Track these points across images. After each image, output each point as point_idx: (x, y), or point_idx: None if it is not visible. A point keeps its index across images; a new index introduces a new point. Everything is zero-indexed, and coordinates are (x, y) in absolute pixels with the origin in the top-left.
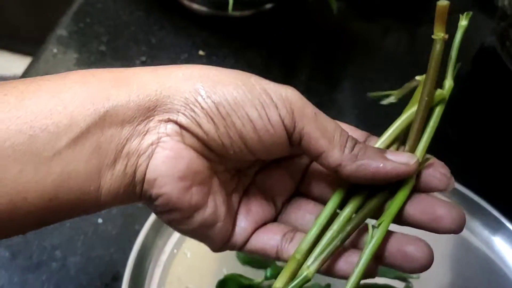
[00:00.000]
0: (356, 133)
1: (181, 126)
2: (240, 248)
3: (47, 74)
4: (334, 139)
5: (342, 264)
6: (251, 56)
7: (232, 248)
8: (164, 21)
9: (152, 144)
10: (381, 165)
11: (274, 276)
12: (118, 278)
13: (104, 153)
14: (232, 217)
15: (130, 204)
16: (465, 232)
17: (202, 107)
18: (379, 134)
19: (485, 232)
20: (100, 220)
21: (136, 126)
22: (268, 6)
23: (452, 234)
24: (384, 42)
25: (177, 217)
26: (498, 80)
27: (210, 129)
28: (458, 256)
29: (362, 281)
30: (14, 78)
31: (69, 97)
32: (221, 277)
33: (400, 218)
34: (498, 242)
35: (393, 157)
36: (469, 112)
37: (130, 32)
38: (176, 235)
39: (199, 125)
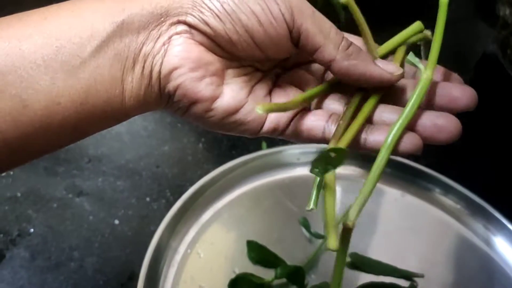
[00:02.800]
0: (357, 41)
1: (189, 25)
2: (283, 131)
3: None
4: (330, 36)
5: (375, 136)
6: None
7: (273, 132)
8: None
9: (164, 44)
10: (370, 68)
11: (284, 275)
12: (133, 277)
13: (124, 58)
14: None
15: (146, 206)
16: (467, 233)
17: (208, 7)
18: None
19: (487, 233)
20: (116, 222)
21: (150, 31)
22: None
23: (454, 235)
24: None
25: (199, 110)
26: (499, 86)
27: (217, 26)
28: (461, 256)
29: (369, 281)
30: None
31: (88, 11)
32: (232, 276)
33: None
34: (499, 242)
35: (381, 64)
36: (472, 118)
37: None
38: (189, 236)
39: (207, 23)
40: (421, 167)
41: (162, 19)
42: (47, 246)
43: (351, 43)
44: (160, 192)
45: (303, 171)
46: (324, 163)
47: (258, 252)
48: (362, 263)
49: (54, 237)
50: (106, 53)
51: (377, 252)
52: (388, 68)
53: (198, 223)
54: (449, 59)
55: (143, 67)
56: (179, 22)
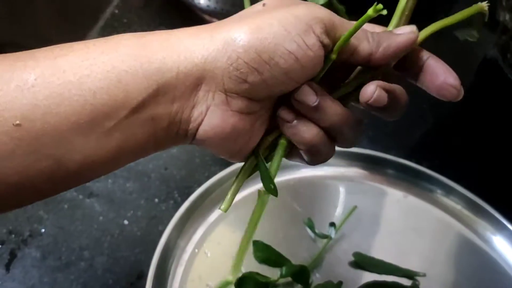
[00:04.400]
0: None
1: (227, 92)
2: None
3: None
4: (360, 36)
5: None
6: None
7: None
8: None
9: (201, 113)
10: (398, 40)
11: (289, 274)
12: (142, 277)
13: (158, 122)
14: None
15: (154, 207)
16: (468, 233)
17: (245, 62)
18: (391, 142)
19: (487, 233)
20: (125, 222)
21: (186, 100)
22: None
23: (455, 235)
24: None
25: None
26: (499, 90)
27: (255, 79)
28: (462, 256)
29: (372, 279)
30: None
31: (123, 73)
32: (239, 275)
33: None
34: (499, 241)
35: (401, 31)
36: (472, 121)
37: None
38: (197, 236)
39: (245, 81)
40: (423, 168)
41: (198, 85)
42: (57, 246)
43: (371, 33)
44: (168, 194)
45: (308, 172)
46: None
47: (263, 252)
48: (365, 263)
49: (65, 237)
50: (139, 118)
51: (380, 251)
52: (407, 30)
53: (205, 223)
54: (451, 63)
55: (178, 129)
56: (217, 90)
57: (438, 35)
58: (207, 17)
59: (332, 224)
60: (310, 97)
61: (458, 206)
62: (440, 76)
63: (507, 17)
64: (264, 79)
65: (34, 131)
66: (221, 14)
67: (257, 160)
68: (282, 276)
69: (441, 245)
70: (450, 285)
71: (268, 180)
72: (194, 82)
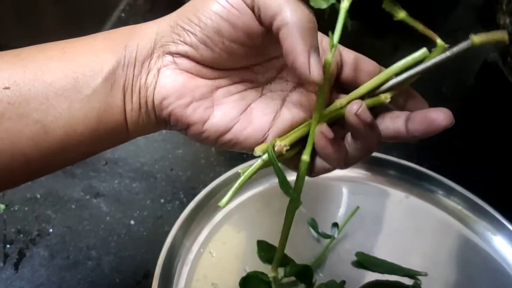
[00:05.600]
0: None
1: (172, 54)
2: None
3: None
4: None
5: None
6: None
7: None
8: None
9: (154, 76)
10: (299, 53)
11: (293, 273)
12: (148, 276)
13: (125, 89)
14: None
15: (160, 207)
16: (468, 233)
17: (182, 28)
18: (393, 144)
19: (487, 232)
20: (132, 222)
21: (142, 64)
22: None
23: (456, 235)
24: (394, 57)
25: (194, 132)
26: (500, 93)
27: (191, 40)
28: (463, 255)
29: (374, 279)
30: None
31: (100, 47)
32: (243, 274)
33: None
34: (499, 241)
35: (311, 60)
36: (473, 123)
37: None
38: (202, 236)
39: (184, 42)
40: (424, 169)
41: (151, 52)
42: (65, 246)
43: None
44: (174, 194)
45: None
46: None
47: (268, 251)
48: (367, 262)
49: (72, 236)
50: (113, 84)
51: (382, 251)
52: (313, 65)
53: (210, 223)
54: (451, 66)
55: (139, 97)
56: (163, 53)
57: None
58: None
59: (335, 224)
60: (368, 113)
61: (458, 207)
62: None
63: (507, 20)
64: (200, 39)
65: (22, 95)
66: None
67: (274, 167)
68: (286, 275)
69: (442, 244)
70: (451, 284)
71: (286, 187)
72: (148, 51)
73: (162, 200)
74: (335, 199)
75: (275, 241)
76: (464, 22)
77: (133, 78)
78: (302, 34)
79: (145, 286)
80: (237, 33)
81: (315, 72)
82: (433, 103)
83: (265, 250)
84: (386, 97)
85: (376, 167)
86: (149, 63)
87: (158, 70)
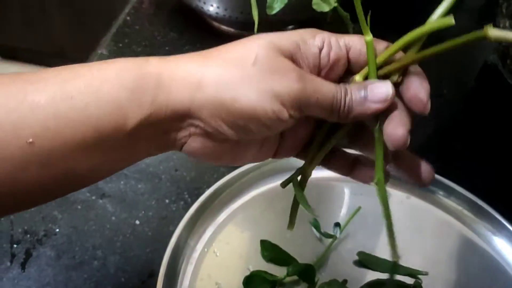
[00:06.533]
0: (379, 45)
1: (206, 132)
2: None
3: None
4: (332, 105)
5: None
6: None
7: None
8: (195, 41)
9: (185, 136)
10: (371, 108)
11: (296, 272)
12: (153, 275)
13: (150, 140)
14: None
15: (165, 208)
16: (469, 233)
17: (224, 123)
18: None
19: (488, 233)
20: (137, 222)
21: (172, 127)
22: (291, 27)
23: (457, 235)
24: None
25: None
26: (499, 95)
27: (232, 136)
28: (463, 255)
29: (376, 278)
30: None
31: (124, 103)
32: (247, 273)
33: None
34: (500, 242)
35: (376, 95)
36: (473, 124)
37: (165, 51)
38: (206, 236)
39: (222, 134)
40: None
41: (183, 119)
42: (71, 246)
43: (344, 94)
44: (179, 195)
45: (314, 174)
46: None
47: (271, 251)
48: (369, 262)
49: (78, 236)
50: (135, 137)
51: (383, 251)
52: (382, 95)
53: (214, 223)
54: (452, 69)
55: (167, 144)
56: (198, 126)
57: (438, 40)
58: (216, 24)
59: (337, 224)
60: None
61: (459, 207)
62: (411, 89)
63: (507, 23)
64: (239, 137)
65: (45, 148)
66: (229, 21)
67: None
68: (288, 274)
69: (443, 244)
70: (452, 283)
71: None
72: (179, 117)
73: (167, 201)
74: (337, 200)
75: (278, 241)
76: (463, 25)
77: (160, 132)
78: None
79: (150, 286)
80: (273, 133)
81: (382, 95)
82: (434, 105)
83: (268, 250)
84: (398, 78)
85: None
86: (180, 125)
87: (190, 135)
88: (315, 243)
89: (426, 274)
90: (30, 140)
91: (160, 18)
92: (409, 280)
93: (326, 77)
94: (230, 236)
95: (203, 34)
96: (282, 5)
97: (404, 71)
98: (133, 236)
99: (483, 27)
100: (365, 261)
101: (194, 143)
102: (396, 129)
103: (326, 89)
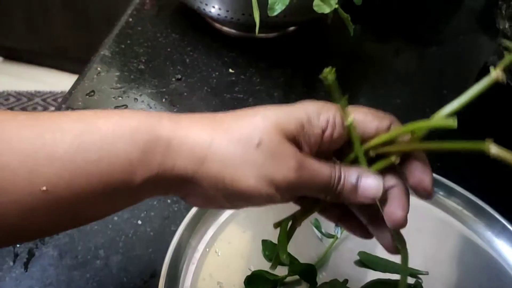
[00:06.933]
0: (382, 122)
1: (202, 194)
2: None
3: (91, 90)
4: (323, 189)
5: None
6: (276, 75)
7: None
8: (197, 42)
9: (184, 193)
10: (359, 200)
11: (296, 272)
12: (155, 275)
13: (153, 192)
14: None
15: (167, 208)
16: (469, 233)
17: (223, 197)
18: None
19: (488, 234)
20: (139, 222)
21: (174, 184)
22: (292, 28)
23: (457, 235)
24: (395, 61)
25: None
26: (499, 95)
27: (227, 205)
28: (463, 255)
29: (377, 278)
30: (62, 94)
31: (134, 160)
32: (248, 273)
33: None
34: (500, 242)
35: (366, 189)
36: (472, 125)
37: (167, 52)
38: (208, 236)
39: (214, 198)
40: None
41: (185, 183)
42: (74, 245)
43: (337, 181)
44: None
45: None
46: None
47: (272, 251)
48: (370, 261)
49: (81, 236)
50: (141, 190)
51: (384, 251)
52: (372, 189)
53: (216, 223)
54: (453, 70)
55: (166, 195)
56: (197, 190)
57: (439, 42)
58: (217, 26)
59: (338, 225)
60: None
61: (459, 207)
62: (415, 176)
63: (507, 25)
64: (232, 206)
65: (56, 196)
66: (231, 22)
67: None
68: (289, 274)
69: (443, 244)
70: (452, 283)
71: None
72: (182, 181)
73: (168, 201)
74: None
75: None
76: (464, 27)
77: (162, 190)
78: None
79: (152, 285)
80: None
81: (373, 189)
82: (433, 106)
83: (269, 250)
84: (396, 159)
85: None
86: (180, 186)
87: (188, 194)
88: (316, 243)
89: (426, 274)
90: (44, 188)
91: (162, 20)
92: (409, 280)
93: (326, 149)
94: (232, 236)
95: (204, 36)
96: (283, 7)
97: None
98: (135, 236)
99: (483, 28)
100: (366, 261)
101: (194, 198)
102: (396, 211)
103: (321, 176)
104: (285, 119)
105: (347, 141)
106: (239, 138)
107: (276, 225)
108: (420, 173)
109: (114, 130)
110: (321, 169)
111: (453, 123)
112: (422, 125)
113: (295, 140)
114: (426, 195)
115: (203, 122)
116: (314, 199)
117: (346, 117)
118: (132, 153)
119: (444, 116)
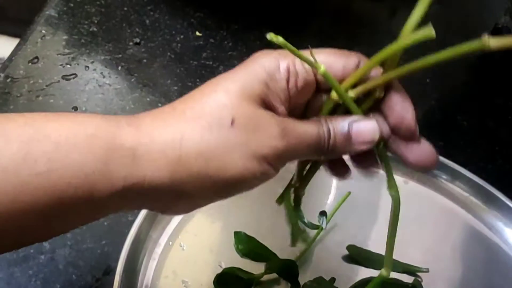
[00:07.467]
0: (349, 60)
1: (188, 198)
2: None
3: (35, 56)
4: (314, 148)
5: None
6: (250, 38)
7: None
8: (158, 1)
9: (164, 206)
10: (355, 148)
11: (275, 269)
12: (110, 272)
13: (120, 206)
14: None
15: None
16: (476, 223)
17: (208, 189)
18: None
19: (498, 223)
20: None
21: (150, 198)
22: None
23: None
24: (391, 22)
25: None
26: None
27: (215, 197)
28: (469, 249)
29: (368, 276)
30: (0, 61)
31: (91, 173)
32: (218, 271)
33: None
34: (511, 233)
35: (361, 136)
36: (481, 96)
37: (123, 12)
38: (171, 227)
39: (204, 198)
40: None
41: (164, 194)
42: None
43: (327, 137)
44: None
45: None
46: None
47: (246, 244)
48: (361, 257)
49: None
50: (105, 207)
51: (377, 244)
52: (367, 136)
53: None
54: (458, 33)
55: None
56: (181, 197)
57: (443, 0)
58: None
59: (323, 213)
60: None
61: (465, 193)
62: (395, 112)
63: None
64: (224, 198)
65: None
66: None
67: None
68: (267, 271)
69: (446, 237)
70: (456, 281)
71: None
72: (159, 193)
73: None
74: (324, 185)
75: (254, 233)
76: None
77: (133, 205)
78: None
79: (106, 284)
80: None
81: (369, 134)
82: (435, 73)
83: (243, 243)
84: (380, 93)
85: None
86: (159, 199)
87: (170, 205)
88: None
89: (426, 271)
90: None
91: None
92: (407, 279)
93: (297, 103)
94: (199, 227)
95: None
96: None
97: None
98: (85, 227)
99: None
100: (356, 255)
101: (176, 209)
102: (422, 151)
103: (309, 136)
104: (248, 85)
105: (314, 92)
106: (209, 123)
107: (279, 200)
108: (400, 108)
109: (68, 138)
110: (307, 128)
111: (430, 32)
112: (396, 47)
113: (265, 103)
114: (410, 134)
115: (164, 117)
116: (309, 162)
117: (317, 68)
118: (88, 165)
119: (414, 27)
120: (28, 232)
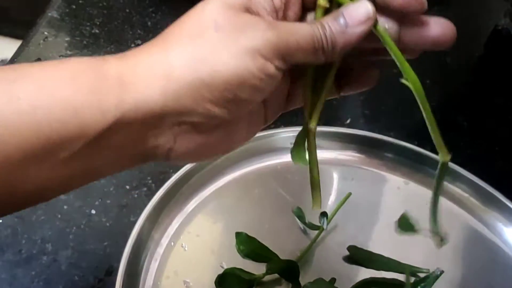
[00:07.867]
0: None
1: (194, 124)
2: None
3: (37, 58)
4: (312, 49)
5: None
6: None
7: None
8: (160, 2)
9: (169, 140)
10: (355, 37)
11: (276, 270)
12: (112, 272)
13: (120, 150)
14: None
15: (125, 195)
16: (477, 224)
17: (210, 100)
18: (391, 122)
19: (498, 224)
20: (93, 211)
21: (148, 130)
22: None
23: (463, 227)
24: None
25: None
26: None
27: (220, 112)
28: (469, 249)
29: (369, 276)
30: (2, 62)
31: (79, 104)
32: (220, 271)
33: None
34: None
35: (355, 20)
36: (482, 97)
37: (125, 14)
38: (173, 227)
39: (211, 117)
40: (426, 152)
41: (162, 118)
42: (17, 239)
43: (322, 29)
44: (141, 180)
45: None
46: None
47: (247, 245)
48: (361, 257)
49: (25, 228)
50: (98, 147)
51: (378, 245)
52: (362, 17)
53: (182, 213)
54: (458, 34)
55: (145, 153)
56: (182, 122)
57: (443, 2)
58: None
59: (324, 214)
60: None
61: (465, 194)
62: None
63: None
64: (232, 113)
65: None
66: None
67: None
68: (268, 272)
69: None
70: (457, 282)
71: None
72: (155, 118)
73: (127, 187)
74: (325, 186)
75: (256, 233)
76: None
77: (132, 141)
78: None
79: (108, 284)
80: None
81: (362, 16)
82: (436, 76)
83: (244, 244)
84: None
85: (371, 148)
86: (158, 127)
87: (175, 137)
88: (299, 235)
89: (427, 271)
90: None
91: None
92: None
93: (286, 20)
94: (201, 228)
95: None
96: None
97: None
98: (88, 228)
99: None
100: (357, 256)
101: (183, 145)
102: (439, 24)
103: (301, 29)
104: None
105: (301, 12)
106: (194, 33)
107: (295, 155)
108: None
109: (53, 74)
110: (297, 24)
111: None
112: None
113: (249, 12)
114: (421, 7)
115: (148, 45)
116: (312, 95)
117: None
118: (75, 97)
119: None
120: (16, 187)
